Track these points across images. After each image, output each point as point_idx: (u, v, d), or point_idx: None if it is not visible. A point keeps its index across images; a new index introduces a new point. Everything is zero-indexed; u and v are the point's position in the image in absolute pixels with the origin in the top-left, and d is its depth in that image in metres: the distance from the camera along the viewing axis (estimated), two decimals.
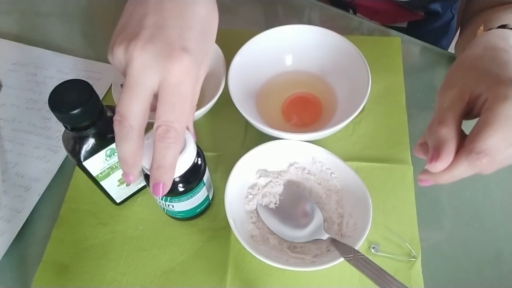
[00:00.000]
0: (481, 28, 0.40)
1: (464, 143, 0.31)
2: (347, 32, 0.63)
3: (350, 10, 0.72)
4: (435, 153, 0.31)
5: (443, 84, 0.34)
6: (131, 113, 0.30)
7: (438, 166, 0.31)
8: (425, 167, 0.33)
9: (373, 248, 0.44)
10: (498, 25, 0.39)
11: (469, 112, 0.33)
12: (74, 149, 0.39)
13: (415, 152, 0.36)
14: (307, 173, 0.47)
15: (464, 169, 0.30)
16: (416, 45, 0.60)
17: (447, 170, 0.31)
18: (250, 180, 0.47)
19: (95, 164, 0.40)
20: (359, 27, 0.64)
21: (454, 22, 0.76)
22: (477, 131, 0.30)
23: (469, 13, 0.56)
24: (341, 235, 0.43)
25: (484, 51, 0.34)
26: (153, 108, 0.31)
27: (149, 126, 0.41)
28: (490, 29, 0.39)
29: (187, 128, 0.37)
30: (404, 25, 0.72)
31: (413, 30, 0.70)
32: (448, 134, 0.31)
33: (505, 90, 0.30)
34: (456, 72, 0.34)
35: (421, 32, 0.71)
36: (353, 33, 0.63)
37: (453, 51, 0.59)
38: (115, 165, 0.42)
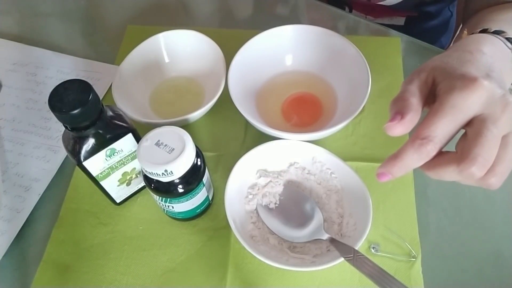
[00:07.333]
0: (465, 32, 0.43)
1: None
2: (347, 32, 0.63)
3: (346, 8, 0.72)
4: (398, 115, 0.32)
5: (415, 70, 0.36)
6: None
7: (398, 127, 0.32)
8: (386, 126, 0.33)
9: (373, 248, 0.44)
10: (480, 29, 0.41)
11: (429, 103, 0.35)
12: (74, 149, 0.39)
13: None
14: (307, 173, 0.47)
15: (412, 156, 0.31)
16: (415, 45, 0.60)
17: (398, 158, 0.31)
18: (250, 180, 0.47)
19: (95, 164, 0.40)
20: (359, 27, 0.64)
21: (454, 19, 0.76)
22: (425, 119, 0.31)
23: (468, 13, 0.57)
24: (341, 235, 0.43)
25: (454, 51, 0.36)
26: None
27: (149, 127, 0.42)
28: (472, 33, 0.41)
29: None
30: (402, 22, 0.72)
31: (411, 28, 0.70)
32: (414, 105, 0.32)
33: (454, 82, 0.31)
34: (428, 62, 0.36)
35: (419, 29, 0.71)
36: (353, 33, 0.63)
37: None
38: (115, 165, 0.42)
